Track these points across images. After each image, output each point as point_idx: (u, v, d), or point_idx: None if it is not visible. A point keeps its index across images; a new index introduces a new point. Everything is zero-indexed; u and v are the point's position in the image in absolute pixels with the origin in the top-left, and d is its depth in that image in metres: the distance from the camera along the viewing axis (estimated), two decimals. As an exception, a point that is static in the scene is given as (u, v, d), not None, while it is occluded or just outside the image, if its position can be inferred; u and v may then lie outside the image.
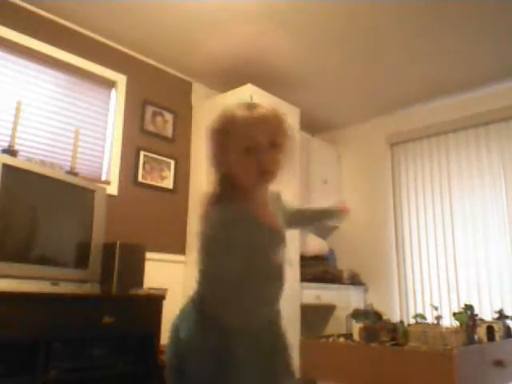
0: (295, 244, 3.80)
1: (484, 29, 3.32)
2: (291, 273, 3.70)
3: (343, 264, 4.77)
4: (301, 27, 3.34)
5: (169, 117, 3.89)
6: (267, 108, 1.28)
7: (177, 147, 3.91)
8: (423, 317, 2.44)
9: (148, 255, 3.06)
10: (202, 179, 3.83)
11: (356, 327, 2.45)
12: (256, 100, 3.64)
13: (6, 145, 2.59)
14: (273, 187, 1.36)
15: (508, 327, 2.64)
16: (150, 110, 3.76)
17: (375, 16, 3.19)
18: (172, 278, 3.63)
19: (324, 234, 4.90)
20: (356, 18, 3.22)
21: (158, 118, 3.81)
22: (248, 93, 3.63)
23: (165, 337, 2.82)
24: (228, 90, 3.81)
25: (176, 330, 1.30)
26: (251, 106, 1.27)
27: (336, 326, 4.17)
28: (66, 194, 2.60)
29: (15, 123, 2.60)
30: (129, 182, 3.51)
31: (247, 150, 1.21)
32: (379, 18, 3.21)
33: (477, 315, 2.49)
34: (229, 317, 1.24)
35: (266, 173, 1.23)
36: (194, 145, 4.00)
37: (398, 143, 4.75)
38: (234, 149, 1.22)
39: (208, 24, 3.32)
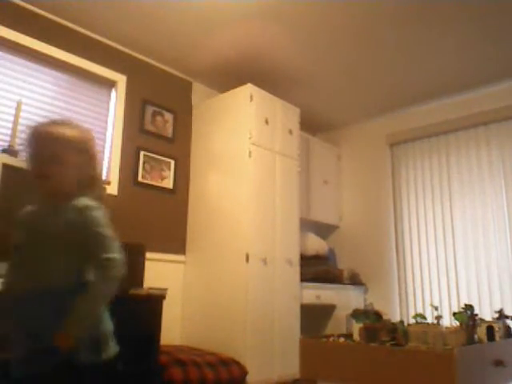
0: (295, 244, 3.80)
1: (484, 29, 3.32)
2: (291, 272, 3.70)
3: (343, 264, 4.77)
4: (301, 27, 3.34)
5: (169, 117, 3.89)
6: (69, 129, 1.53)
7: (177, 147, 3.91)
8: (423, 317, 2.43)
9: (148, 255, 3.06)
10: (202, 179, 3.84)
11: (356, 327, 2.45)
12: (255, 100, 3.65)
13: (6, 145, 2.59)
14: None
15: (508, 327, 2.63)
16: (149, 109, 3.76)
17: (376, 16, 3.19)
18: (172, 278, 3.63)
19: (324, 233, 4.91)
20: (356, 19, 3.22)
21: (158, 118, 3.82)
22: (248, 92, 3.63)
23: (165, 337, 2.82)
24: (228, 90, 3.82)
25: None
26: (54, 123, 1.54)
27: (336, 325, 4.18)
28: (66, 194, 2.59)
29: (15, 123, 2.60)
30: (129, 182, 3.51)
31: (33, 155, 1.48)
32: (380, 18, 3.21)
33: (477, 315, 2.48)
34: None
35: (38, 176, 1.48)
36: (194, 144, 4.00)
37: (398, 143, 4.75)
38: (28, 151, 1.50)
39: (208, 24, 3.32)
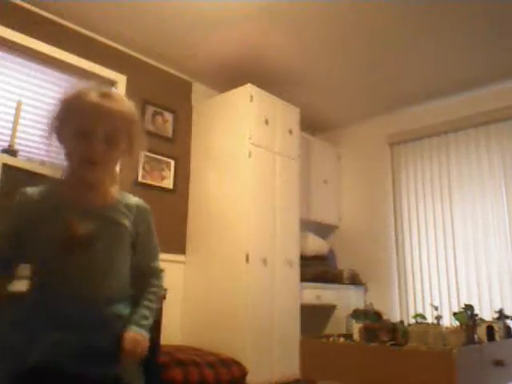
0: (295, 244, 3.80)
1: (485, 28, 3.32)
2: (291, 273, 3.70)
3: (343, 264, 4.77)
4: (301, 27, 3.34)
5: (169, 117, 3.89)
6: (122, 104, 1.29)
7: (177, 147, 3.91)
8: (423, 317, 2.44)
9: (148, 255, 3.06)
10: (202, 179, 3.84)
11: (356, 327, 2.45)
12: (255, 100, 3.64)
13: (5, 145, 2.59)
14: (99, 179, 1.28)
15: (508, 327, 2.63)
16: (150, 109, 3.76)
17: (375, 16, 3.18)
18: (172, 277, 3.63)
19: (324, 234, 4.91)
20: (356, 18, 3.22)
21: (158, 118, 3.81)
22: (248, 93, 3.63)
23: (165, 337, 2.82)
24: (228, 90, 3.81)
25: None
26: (105, 95, 1.25)
27: (336, 325, 4.18)
28: (66, 194, 2.59)
29: (15, 123, 2.60)
30: (129, 183, 3.50)
31: (79, 132, 1.19)
32: (379, 17, 3.21)
33: (477, 315, 2.49)
34: None
35: (88, 161, 1.20)
36: (194, 145, 4.00)
37: (398, 143, 4.74)
38: (69, 126, 1.21)
39: (208, 24, 3.32)
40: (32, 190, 1.27)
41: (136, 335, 1.21)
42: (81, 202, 1.24)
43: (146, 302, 1.30)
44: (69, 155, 1.24)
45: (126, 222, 1.29)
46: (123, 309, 1.24)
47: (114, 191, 1.34)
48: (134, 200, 1.39)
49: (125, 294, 1.27)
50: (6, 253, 1.23)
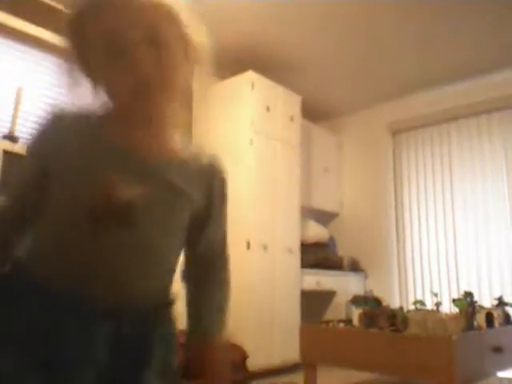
0: (296, 231, 3.81)
1: (487, 16, 3.28)
2: (292, 259, 3.71)
3: (343, 251, 4.78)
4: (302, 14, 3.31)
5: (169, 103, 3.87)
6: None
7: (178, 134, 3.89)
8: (423, 303, 2.45)
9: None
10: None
11: (356, 313, 2.47)
12: (257, 87, 3.62)
13: (6, 131, 2.58)
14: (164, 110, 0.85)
15: (507, 314, 2.65)
16: (150, 96, 3.73)
17: (376, 2, 3.15)
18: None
19: (324, 220, 4.92)
20: (357, 5, 3.19)
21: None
22: (249, 80, 3.61)
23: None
24: (229, 77, 3.79)
25: None
26: None
27: (336, 311, 4.20)
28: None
29: (16, 109, 2.59)
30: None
31: (109, 48, 0.78)
32: (381, 4, 3.17)
33: (476, 302, 2.50)
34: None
35: (143, 81, 0.77)
36: (194, 132, 3.98)
37: (400, 131, 4.73)
38: (92, 47, 0.80)
39: (209, 12, 3.29)
40: (70, 118, 0.83)
41: (212, 347, 0.88)
42: (126, 149, 0.80)
43: (215, 288, 0.93)
44: (104, 86, 0.83)
45: (191, 189, 0.86)
46: (167, 324, 0.87)
47: (177, 139, 0.88)
48: (206, 156, 0.92)
49: (166, 297, 0.88)
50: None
